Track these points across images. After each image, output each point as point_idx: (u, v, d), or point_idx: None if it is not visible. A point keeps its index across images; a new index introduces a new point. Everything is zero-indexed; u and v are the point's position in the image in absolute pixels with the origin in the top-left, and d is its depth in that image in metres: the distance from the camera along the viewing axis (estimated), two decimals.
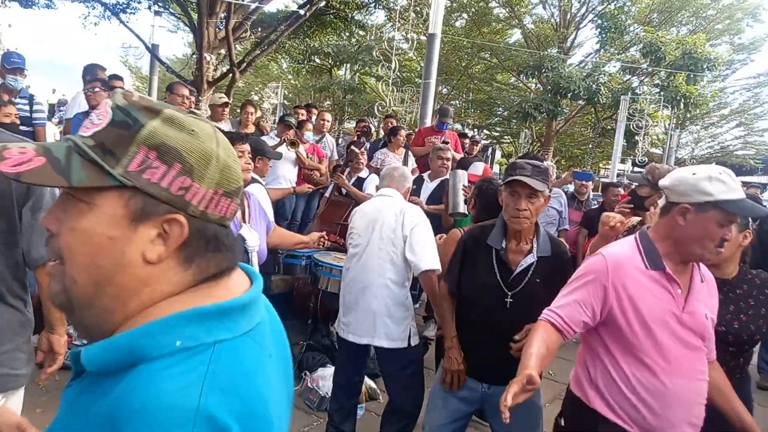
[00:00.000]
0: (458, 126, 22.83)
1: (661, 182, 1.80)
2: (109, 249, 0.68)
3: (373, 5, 11.41)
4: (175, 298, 0.71)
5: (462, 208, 4.06)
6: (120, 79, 5.65)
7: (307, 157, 6.01)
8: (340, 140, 9.44)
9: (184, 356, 0.66)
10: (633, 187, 3.12)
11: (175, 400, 0.62)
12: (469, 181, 4.24)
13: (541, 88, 19.75)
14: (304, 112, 7.30)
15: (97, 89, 4.77)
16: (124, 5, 10.37)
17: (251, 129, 6.26)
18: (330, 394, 3.53)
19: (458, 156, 6.10)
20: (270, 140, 5.84)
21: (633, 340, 1.77)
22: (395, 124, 7.35)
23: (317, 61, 21.39)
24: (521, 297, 2.27)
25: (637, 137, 16.62)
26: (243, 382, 0.69)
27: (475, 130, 24.47)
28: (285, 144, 5.62)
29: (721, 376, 1.94)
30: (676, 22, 19.89)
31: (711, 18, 19.60)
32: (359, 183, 5.57)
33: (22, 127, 4.57)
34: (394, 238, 2.94)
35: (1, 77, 5.06)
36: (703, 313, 1.81)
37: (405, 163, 6.32)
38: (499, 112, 23.80)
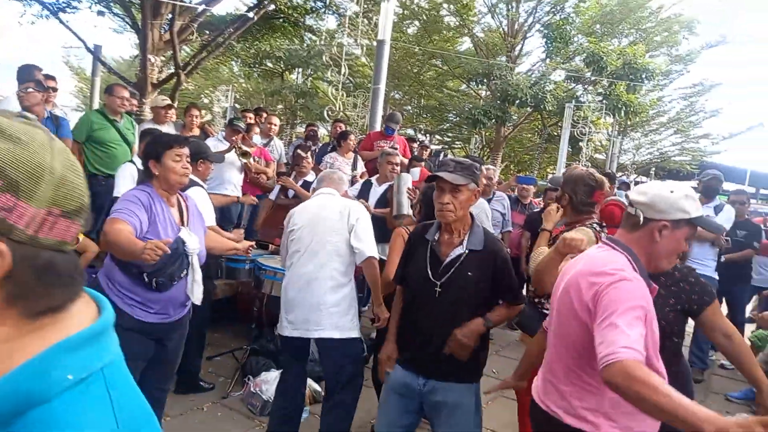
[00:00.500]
0: (410, 131, 23.05)
1: (637, 198, 1.79)
2: None
3: (323, 11, 11.40)
4: (14, 342, 0.61)
5: (406, 210, 4.12)
6: (53, 79, 5.46)
7: (255, 161, 5.96)
8: (291, 145, 9.39)
9: (80, 389, 0.61)
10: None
11: (99, 429, 0.60)
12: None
13: (490, 95, 20.17)
14: (252, 115, 7.23)
15: (30, 90, 4.59)
16: (64, 5, 9.98)
17: (196, 132, 6.16)
18: (273, 398, 3.52)
19: (406, 161, 6.18)
20: (216, 142, 5.76)
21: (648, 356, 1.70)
22: (344, 129, 7.37)
23: (269, 65, 21.18)
24: (448, 287, 2.36)
25: (581, 143, 17.20)
26: (139, 402, 0.68)
27: (427, 135, 24.77)
28: (235, 152, 5.55)
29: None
30: (618, 34, 20.67)
31: (650, 30, 20.46)
32: (306, 186, 5.55)
33: None
34: (340, 229, 3.06)
35: None
36: None
37: (354, 167, 6.35)
38: (450, 118, 24.14)
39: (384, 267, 3.16)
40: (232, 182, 5.65)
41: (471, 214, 2.46)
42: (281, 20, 10.95)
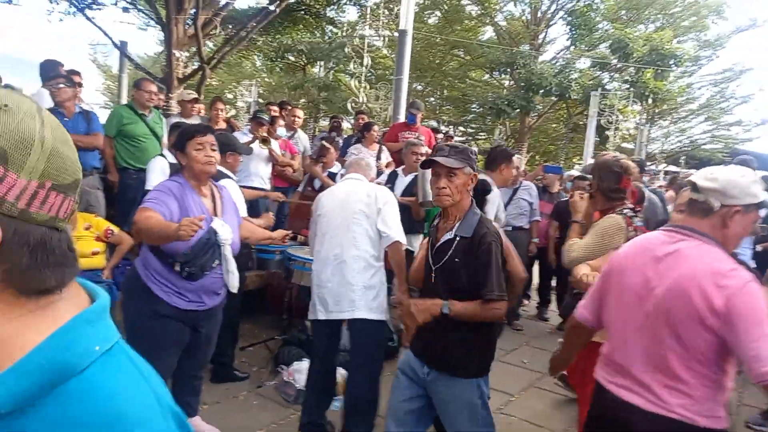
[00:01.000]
0: (433, 123, 22.93)
1: (706, 184, 1.78)
2: None
3: (344, 2, 11.38)
4: (20, 320, 0.59)
5: (432, 197, 4.11)
6: (78, 74, 5.55)
7: (282, 154, 5.98)
8: (314, 138, 9.42)
9: (108, 359, 0.61)
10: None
11: (140, 399, 0.59)
12: None
13: (514, 85, 19.95)
14: (276, 108, 7.26)
15: (61, 85, 4.67)
16: (90, 1, 10.15)
17: (222, 126, 6.21)
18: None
19: (431, 151, 6.15)
20: (243, 136, 5.79)
21: None
22: (367, 120, 7.36)
23: (291, 58, 21.23)
24: (441, 273, 2.39)
25: (608, 132, 16.89)
26: (153, 371, 0.67)
27: (450, 126, 24.58)
28: (257, 141, 5.58)
29: None
30: (644, 19, 20.25)
31: (677, 15, 20.00)
32: (330, 178, 5.57)
33: None
34: (368, 212, 3.09)
35: None
36: None
37: (379, 158, 6.34)
38: (473, 109, 23.94)
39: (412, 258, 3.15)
40: (259, 175, 5.69)
41: (473, 201, 2.46)
42: (303, 12, 10.95)
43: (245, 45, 11.10)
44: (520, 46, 20.01)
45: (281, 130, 6.69)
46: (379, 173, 5.71)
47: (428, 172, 4.16)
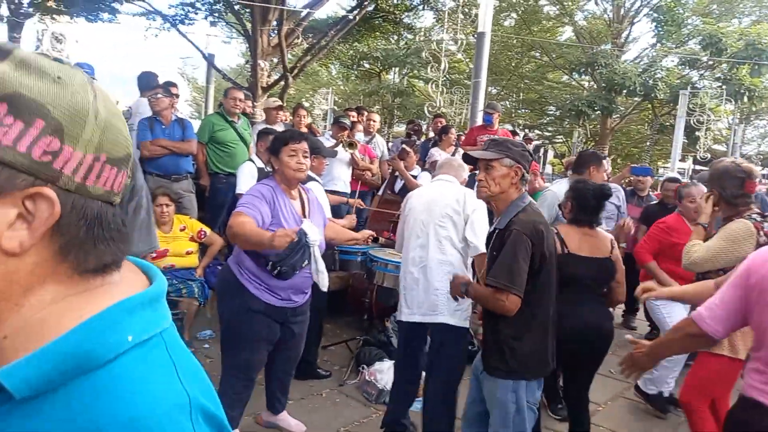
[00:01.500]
0: (508, 127, 22.54)
1: None
2: None
3: (421, 7, 11.46)
4: (67, 300, 0.57)
5: None
6: (175, 85, 5.90)
7: (361, 158, 6.09)
8: (389, 143, 9.52)
9: (141, 352, 0.57)
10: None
11: (164, 399, 0.55)
12: None
13: (595, 86, 19.27)
14: (354, 114, 7.40)
15: (159, 95, 4.99)
16: (182, 17, 10.83)
17: (303, 131, 6.40)
18: (387, 387, 3.58)
19: None
20: (325, 141, 5.95)
21: None
22: (445, 124, 7.35)
23: (366, 65, 21.60)
24: (489, 267, 2.40)
25: (698, 133, 15.93)
26: (197, 368, 0.63)
27: (526, 130, 24.08)
28: (342, 145, 5.71)
29: None
30: (738, 13, 19.00)
31: None
32: None
33: None
34: (455, 218, 3.03)
35: None
36: None
37: None
38: (550, 111, 23.35)
39: None
40: (341, 179, 5.82)
41: (524, 194, 2.45)
42: (380, 20, 11.13)
43: (325, 53, 11.40)
44: (602, 45, 19.31)
45: (359, 135, 6.81)
46: None
47: None
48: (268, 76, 9.78)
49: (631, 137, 23.67)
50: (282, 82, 10.02)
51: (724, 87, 15.88)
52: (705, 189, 3.98)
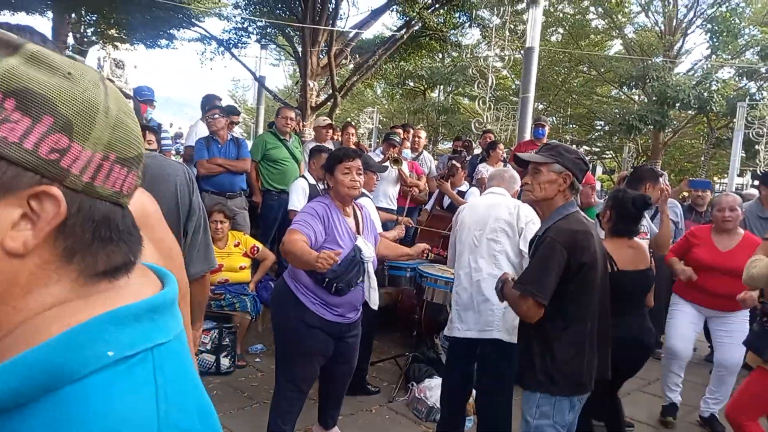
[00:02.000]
0: (555, 142, 22.21)
1: None
2: None
3: (467, 24, 11.52)
4: (74, 303, 0.54)
5: None
6: (237, 113, 6.14)
7: (409, 175, 6.13)
8: (436, 160, 9.55)
9: (120, 370, 0.51)
10: None
11: (126, 425, 0.49)
12: None
13: (646, 99, 18.79)
14: (401, 131, 7.47)
15: (216, 116, 5.18)
16: (236, 41, 11.25)
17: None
18: (437, 405, 3.55)
19: None
20: (375, 156, 6.03)
21: None
22: (493, 139, 7.33)
23: (411, 84, 21.74)
24: None
25: (757, 147, 15.28)
26: (193, 393, 0.57)
27: (574, 146, 23.66)
28: (389, 161, 5.77)
29: None
30: None
31: None
32: (459, 196, 5.59)
33: None
34: (509, 231, 3.01)
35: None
36: None
37: None
38: (599, 126, 22.87)
39: None
40: (387, 195, 5.86)
41: (571, 201, 2.36)
42: (427, 38, 11.25)
43: (372, 73, 11.60)
44: (653, 58, 18.85)
45: (406, 152, 6.85)
46: None
47: None
48: (317, 96, 10.00)
49: (685, 152, 22.90)
50: (330, 102, 10.23)
51: None
52: (739, 199, 3.86)
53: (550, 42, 21.05)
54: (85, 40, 13.45)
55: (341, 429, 3.41)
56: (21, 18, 10.95)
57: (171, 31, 11.68)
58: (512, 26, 10.87)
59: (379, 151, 6.28)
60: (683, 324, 3.90)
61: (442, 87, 22.46)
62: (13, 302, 0.52)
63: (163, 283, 0.64)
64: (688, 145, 22.82)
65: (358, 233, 2.95)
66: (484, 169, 6.26)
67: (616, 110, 20.42)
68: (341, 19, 10.69)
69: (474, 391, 3.49)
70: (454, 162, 5.98)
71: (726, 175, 17.59)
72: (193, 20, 11.06)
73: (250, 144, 5.84)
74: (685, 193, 7.44)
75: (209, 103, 5.87)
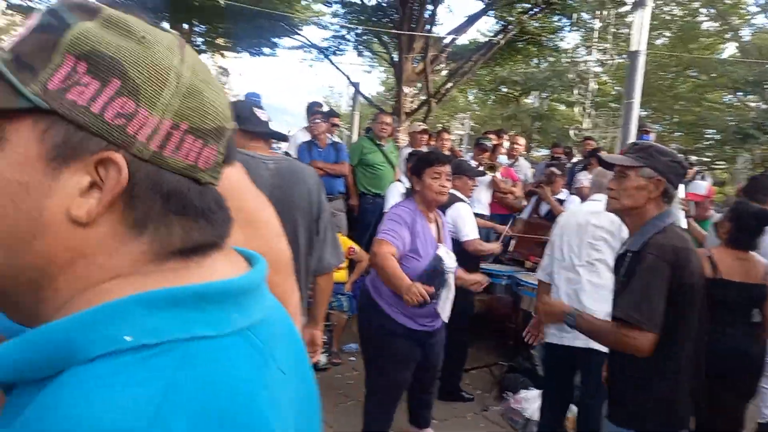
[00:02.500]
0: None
1: None
2: (22, 200, 0.48)
3: (568, 29, 11.19)
4: (129, 279, 0.50)
5: (683, 223, 3.82)
6: (337, 116, 6.33)
7: (503, 181, 6.04)
8: (533, 167, 9.32)
9: (132, 359, 0.45)
10: None
11: (104, 421, 0.41)
12: (687, 200, 3.93)
13: (764, 106, 17.31)
14: (495, 136, 7.36)
15: (317, 121, 5.39)
16: (335, 48, 11.65)
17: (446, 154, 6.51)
18: (534, 418, 3.46)
19: None
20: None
21: None
22: (594, 146, 7.05)
23: (504, 90, 21.40)
24: (617, 293, 2.07)
25: None
26: (231, 403, 0.46)
27: (682, 155, 22.22)
28: (482, 167, 5.71)
29: None
30: None
31: None
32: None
33: None
34: (610, 240, 2.91)
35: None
36: None
37: None
38: (709, 135, 21.31)
39: None
40: (480, 201, 5.80)
41: (667, 212, 2.04)
42: (524, 43, 11.04)
43: (467, 78, 11.56)
44: None
45: (501, 158, 6.75)
46: None
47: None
48: (411, 102, 10.10)
49: None
50: (424, 107, 10.29)
51: None
52: None
53: (655, 46, 19.94)
54: (195, 49, 14.39)
55: None
56: None
57: (273, 39, 12.27)
58: (614, 30, 10.41)
59: (469, 157, 6.24)
60: None
61: (536, 93, 21.92)
62: (77, 272, 0.49)
63: (251, 265, 0.58)
64: None
65: (439, 241, 2.91)
66: (584, 178, 6.03)
67: (729, 117, 18.94)
68: (437, 25, 10.75)
69: (575, 408, 3.36)
70: (553, 169, 5.82)
71: None
72: (294, 29, 11.56)
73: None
74: None
75: (311, 110, 6.11)
